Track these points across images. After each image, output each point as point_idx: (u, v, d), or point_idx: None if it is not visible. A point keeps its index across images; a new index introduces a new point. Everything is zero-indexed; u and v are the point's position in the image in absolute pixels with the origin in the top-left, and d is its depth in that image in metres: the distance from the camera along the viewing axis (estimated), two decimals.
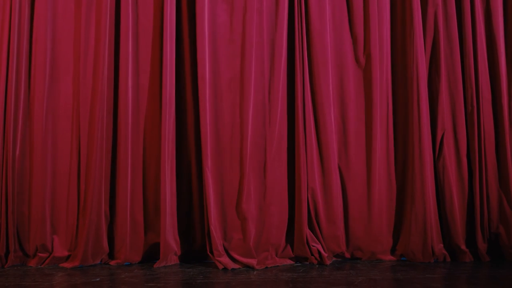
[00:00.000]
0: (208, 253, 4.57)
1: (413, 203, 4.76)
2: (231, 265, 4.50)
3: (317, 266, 4.58)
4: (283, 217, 4.75)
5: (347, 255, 4.83)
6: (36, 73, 4.76)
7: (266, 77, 4.80)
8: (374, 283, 3.97)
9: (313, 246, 4.65)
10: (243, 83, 4.75)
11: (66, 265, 4.57)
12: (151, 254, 4.73)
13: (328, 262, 4.61)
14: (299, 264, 4.66)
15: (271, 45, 4.82)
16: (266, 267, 4.54)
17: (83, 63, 4.75)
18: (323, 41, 4.82)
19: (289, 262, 4.68)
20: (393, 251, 4.87)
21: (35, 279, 4.13)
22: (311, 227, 4.72)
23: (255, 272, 4.35)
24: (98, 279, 4.12)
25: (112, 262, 4.64)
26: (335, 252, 4.77)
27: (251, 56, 4.75)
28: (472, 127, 4.86)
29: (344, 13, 4.94)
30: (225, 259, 4.51)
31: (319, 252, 4.64)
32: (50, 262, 4.62)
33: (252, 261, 4.53)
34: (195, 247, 4.78)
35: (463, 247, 4.76)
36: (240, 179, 4.69)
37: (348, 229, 4.82)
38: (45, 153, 4.71)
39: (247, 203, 4.67)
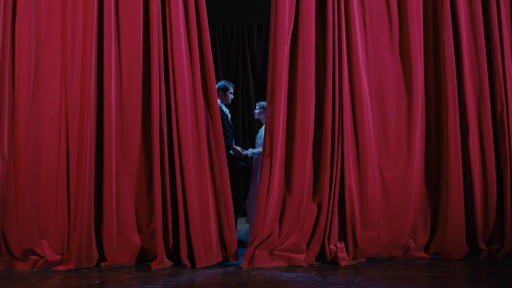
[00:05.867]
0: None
1: (448, 201, 4.79)
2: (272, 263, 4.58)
3: (316, 265, 4.58)
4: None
5: (384, 255, 4.81)
6: (20, 76, 4.70)
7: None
8: (373, 281, 3.97)
9: (332, 247, 4.66)
10: (303, 84, 4.78)
11: (60, 268, 4.52)
12: (140, 256, 4.70)
13: (344, 263, 4.57)
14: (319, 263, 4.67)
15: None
16: (312, 264, 4.61)
17: (70, 66, 4.70)
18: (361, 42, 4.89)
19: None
20: (426, 248, 4.89)
21: (34, 283, 4.08)
22: (342, 228, 4.73)
23: (254, 273, 4.34)
24: (97, 282, 4.09)
25: (102, 264, 4.61)
26: (370, 253, 4.75)
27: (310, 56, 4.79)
28: (502, 126, 4.90)
29: (381, 12, 4.95)
30: (264, 253, 4.57)
31: (336, 253, 4.63)
32: (42, 266, 4.56)
33: (300, 257, 4.60)
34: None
35: (482, 245, 4.79)
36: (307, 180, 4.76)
37: (385, 228, 4.78)
38: (30, 156, 4.65)
39: (309, 201, 4.74)
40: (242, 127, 9.73)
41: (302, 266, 4.55)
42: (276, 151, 4.68)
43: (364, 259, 4.73)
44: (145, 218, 4.68)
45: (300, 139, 4.74)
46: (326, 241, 4.68)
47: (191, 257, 4.65)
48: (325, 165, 4.73)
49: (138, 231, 4.68)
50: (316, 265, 4.59)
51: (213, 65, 4.85)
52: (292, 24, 4.80)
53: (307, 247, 4.68)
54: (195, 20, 4.80)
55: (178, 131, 4.70)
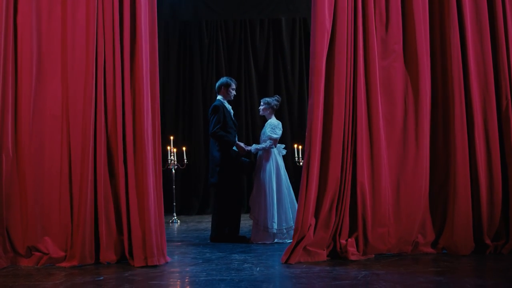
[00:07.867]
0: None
1: (455, 196, 4.78)
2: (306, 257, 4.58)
3: (324, 261, 4.58)
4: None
5: (394, 251, 4.80)
6: (22, 74, 4.70)
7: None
8: (377, 277, 3.96)
9: (342, 241, 4.66)
10: (339, 77, 4.77)
11: (64, 264, 4.53)
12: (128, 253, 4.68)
13: (353, 258, 4.57)
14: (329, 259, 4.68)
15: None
16: (326, 260, 4.62)
17: (70, 64, 4.70)
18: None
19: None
20: (435, 244, 4.88)
21: (38, 279, 4.09)
22: (353, 224, 4.72)
23: (258, 269, 4.33)
24: (101, 278, 4.10)
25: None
26: (380, 250, 4.74)
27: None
28: (507, 121, 4.88)
29: (388, 9, 4.94)
30: (299, 249, 4.57)
31: (346, 248, 4.63)
32: (46, 262, 4.58)
33: (323, 253, 4.61)
34: None
35: (488, 241, 4.77)
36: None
37: (395, 225, 4.78)
38: (32, 154, 4.66)
39: (338, 196, 4.74)
40: (245, 123, 9.74)
41: (324, 261, 4.57)
42: (315, 145, 4.66)
43: (373, 255, 4.72)
44: (123, 217, 4.66)
45: (336, 133, 4.72)
46: (337, 236, 4.68)
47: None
48: (345, 160, 4.74)
49: (117, 231, 4.67)
50: (324, 261, 4.59)
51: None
52: (332, 16, 4.79)
53: (328, 242, 4.69)
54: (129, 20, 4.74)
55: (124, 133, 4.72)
